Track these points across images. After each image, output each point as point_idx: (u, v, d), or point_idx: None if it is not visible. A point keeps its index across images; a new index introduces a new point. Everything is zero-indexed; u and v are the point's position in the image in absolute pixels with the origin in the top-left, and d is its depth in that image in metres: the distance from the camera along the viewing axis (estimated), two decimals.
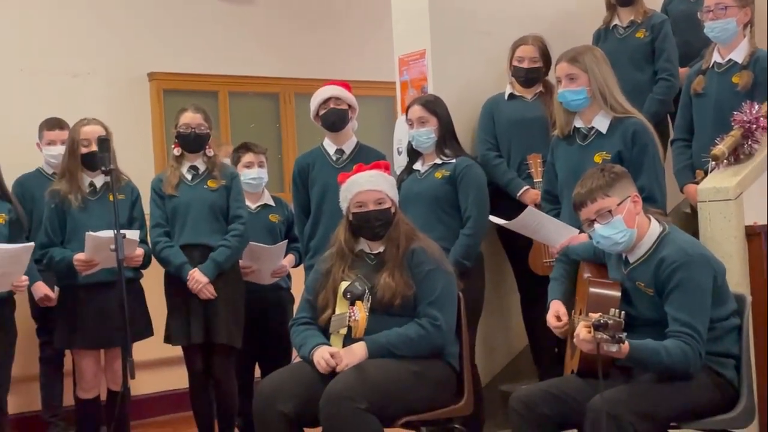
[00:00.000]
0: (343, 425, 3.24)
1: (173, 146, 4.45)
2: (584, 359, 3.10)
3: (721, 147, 3.75)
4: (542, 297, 3.54)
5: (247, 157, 4.77)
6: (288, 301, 4.78)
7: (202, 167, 4.41)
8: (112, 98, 6.51)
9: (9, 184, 4.41)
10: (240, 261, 4.49)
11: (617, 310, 2.85)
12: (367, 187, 3.60)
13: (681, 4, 4.94)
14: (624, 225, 3.12)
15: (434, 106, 4.23)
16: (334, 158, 4.43)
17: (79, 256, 4.14)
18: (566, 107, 3.81)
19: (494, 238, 4.53)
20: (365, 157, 4.23)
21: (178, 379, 4.72)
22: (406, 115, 4.32)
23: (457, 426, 3.60)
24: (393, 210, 3.63)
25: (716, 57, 4.09)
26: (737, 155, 3.78)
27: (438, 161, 4.22)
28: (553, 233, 3.77)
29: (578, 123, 3.84)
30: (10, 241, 4.06)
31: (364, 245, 3.66)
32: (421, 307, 3.50)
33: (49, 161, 4.95)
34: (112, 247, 3.69)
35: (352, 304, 3.47)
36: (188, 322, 4.28)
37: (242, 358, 4.57)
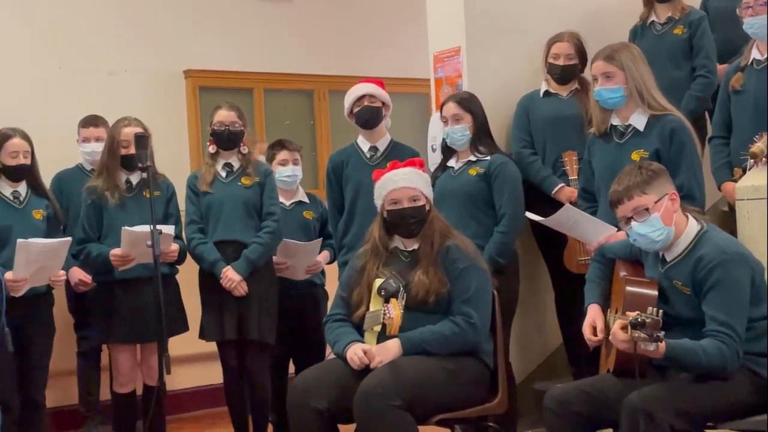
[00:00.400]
0: (377, 422, 3.25)
1: (208, 143, 4.48)
2: (620, 358, 3.07)
3: (760, 145, 3.71)
4: (577, 295, 3.53)
5: (282, 155, 4.79)
6: (322, 298, 4.80)
7: (236, 164, 4.44)
8: (149, 96, 6.56)
9: (47, 180, 4.47)
10: (274, 257, 4.52)
11: (654, 309, 2.83)
12: (401, 184, 3.60)
13: (719, 0, 4.89)
14: (661, 223, 3.09)
15: (469, 104, 4.22)
16: (368, 155, 4.43)
17: (115, 252, 4.19)
18: (603, 105, 3.79)
19: (529, 236, 4.51)
20: (399, 154, 4.23)
21: (213, 374, 4.75)
22: (441, 112, 4.31)
23: (491, 424, 3.59)
24: (427, 207, 3.63)
25: (755, 53, 4.04)
26: None
27: (472, 158, 4.21)
28: (589, 231, 3.74)
29: (615, 121, 3.81)
30: (47, 236, 4.11)
31: (398, 242, 3.66)
32: (455, 305, 3.49)
33: (85, 158, 5.00)
34: (148, 242, 3.72)
35: (387, 301, 3.48)
36: (222, 318, 4.31)
37: (276, 355, 4.60)
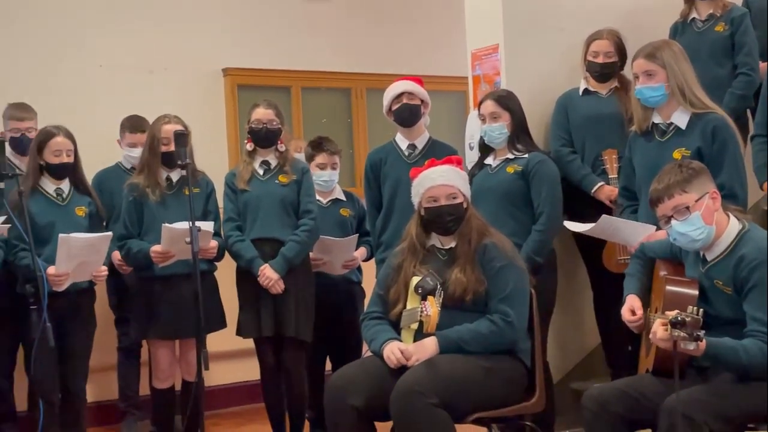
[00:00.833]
0: (414, 420, 3.25)
1: (246, 141, 4.51)
2: (660, 358, 3.05)
3: None
4: (616, 295, 3.50)
5: (321, 158, 4.81)
6: (359, 295, 4.81)
7: (273, 162, 4.46)
8: (188, 94, 6.61)
9: (89, 178, 4.52)
10: (311, 253, 4.53)
11: (695, 308, 2.80)
12: (439, 182, 3.60)
13: None
14: (702, 222, 3.06)
15: (507, 101, 4.21)
16: (406, 153, 4.43)
17: (155, 248, 4.22)
18: (644, 104, 3.76)
19: (567, 235, 4.47)
20: (437, 152, 4.22)
21: (250, 370, 4.78)
22: (479, 110, 4.30)
23: (528, 423, 3.57)
24: (465, 205, 3.62)
25: None
26: None
27: (510, 156, 4.20)
28: (629, 235, 3.72)
29: (656, 119, 3.78)
30: (89, 232, 4.15)
31: (435, 240, 3.65)
32: (492, 303, 3.48)
33: (129, 160, 5.03)
34: (187, 239, 3.74)
35: (424, 299, 3.47)
36: (259, 315, 4.33)
37: (314, 352, 4.62)
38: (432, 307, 3.41)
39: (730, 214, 3.15)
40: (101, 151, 5.13)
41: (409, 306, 3.52)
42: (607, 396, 3.13)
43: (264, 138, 4.43)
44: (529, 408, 3.54)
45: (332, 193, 4.85)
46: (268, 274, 4.28)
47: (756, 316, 2.97)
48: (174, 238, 4.11)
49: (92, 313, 4.31)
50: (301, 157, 4.87)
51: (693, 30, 4.66)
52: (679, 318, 2.75)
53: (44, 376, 3.99)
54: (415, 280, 3.52)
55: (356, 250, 4.74)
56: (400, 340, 3.50)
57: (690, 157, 3.58)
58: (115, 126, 5.21)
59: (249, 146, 4.48)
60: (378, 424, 3.48)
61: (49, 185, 4.21)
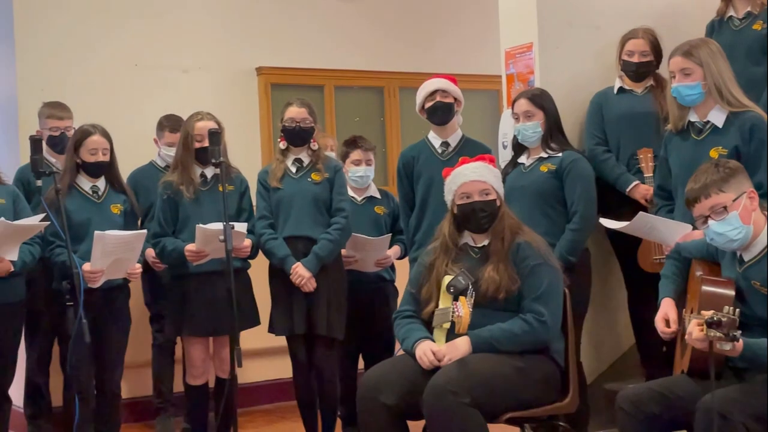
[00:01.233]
0: (447, 419, 3.24)
1: (279, 140, 4.52)
2: (695, 358, 3.02)
3: None
4: (651, 295, 3.47)
5: (356, 155, 4.81)
6: (392, 294, 4.81)
7: (306, 160, 4.47)
8: (222, 92, 6.66)
9: (124, 176, 4.55)
10: (343, 251, 4.54)
11: (731, 308, 2.78)
12: (472, 177, 3.58)
13: None
14: (739, 221, 3.03)
15: (541, 100, 4.19)
16: (439, 151, 4.42)
17: (189, 247, 4.24)
18: (680, 102, 3.72)
19: (602, 234, 4.45)
20: (470, 150, 4.21)
21: (283, 368, 4.79)
22: (512, 108, 4.29)
23: (561, 423, 3.55)
24: (498, 203, 3.61)
25: None
26: None
27: (543, 155, 4.18)
28: (666, 234, 3.68)
29: (693, 117, 3.75)
30: (124, 230, 4.18)
31: (468, 239, 3.64)
32: (525, 303, 3.46)
33: (166, 158, 5.06)
34: (221, 237, 3.76)
35: (456, 299, 3.46)
36: (291, 312, 4.34)
37: (346, 350, 4.62)
38: (463, 308, 3.40)
39: None
40: (136, 149, 5.17)
41: (441, 305, 3.51)
42: (642, 396, 3.11)
43: (297, 136, 4.44)
44: (562, 408, 3.52)
45: (367, 191, 4.85)
46: (301, 273, 4.29)
47: None
48: (208, 238, 4.13)
49: (127, 309, 4.33)
50: (331, 155, 4.87)
51: (730, 28, 4.60)
52: (715, 318, 2.72)
53: (80, 372, 4.03)
54: (447, 279, 3.51)
55: (390, 248, 4.74)
56: (432, 340, 3.50)
57: (727, 156, 3.55)
58: (150, 125, 5.25)
59: (282, 144, 4.49)
60: (410, 423, 3.48)
61: (85, 183, 4.25)
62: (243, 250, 4.29)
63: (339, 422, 4.60)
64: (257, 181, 4.49)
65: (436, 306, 3.52)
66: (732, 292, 3.08)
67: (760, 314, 3.05)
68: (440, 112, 4.37)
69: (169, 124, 5.11)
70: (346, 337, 4.46)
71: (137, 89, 6.38)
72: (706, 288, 3.12)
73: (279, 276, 4.37)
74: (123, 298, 4.30)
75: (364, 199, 4.82)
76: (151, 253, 4.61)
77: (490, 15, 5.27)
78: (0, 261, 3.86)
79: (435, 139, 4.46)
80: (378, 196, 4.87)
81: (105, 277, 4.05)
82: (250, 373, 5.46)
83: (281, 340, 4.50)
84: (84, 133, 4.22)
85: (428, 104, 4.39)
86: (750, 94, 3.80)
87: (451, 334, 3.46)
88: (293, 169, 4.45)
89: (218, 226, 4.01)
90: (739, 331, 2.75)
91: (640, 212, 3.80)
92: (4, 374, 4.09)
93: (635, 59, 4.41)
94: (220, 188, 3.89)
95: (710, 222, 3.06)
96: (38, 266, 4.23)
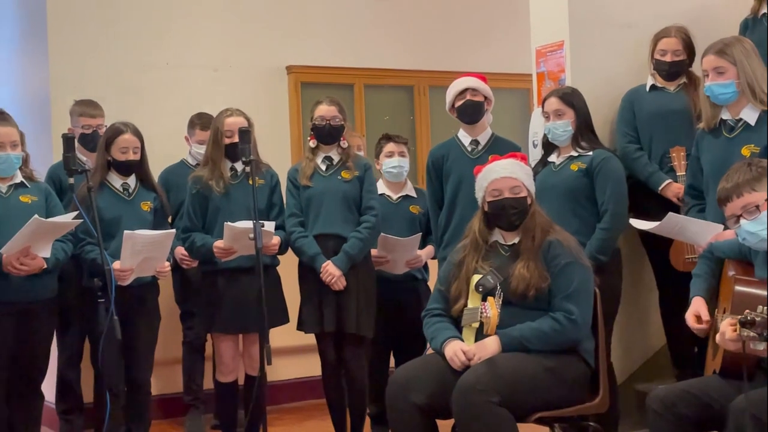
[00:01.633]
0: (476, 418, 3.23)
1: (309, 138, 4.53)
2: (728, 359, 2.99)
3: None
4: (683, 295, 3.43)
5: (389, 147, 4.81)
6: (424, 293, 4.78)
7: (336, 158, 4.47)
8: (252, 91, 6.68)
9: (155, 174, 4.58)
10: (373, 251, 4.54)
11: (765, 308, 2.74)
12: (503, 174, 3.57)
13: None
14: None
15: (572, 99, 4.16)
16: (469, 149, 4.41)
17: (218, 244, 4.25)
18: (713, 101, 3.69)
19: (633, 233, 4.41)
20: (500, 148, 4.19)
21: (312, 366, 4.80)
22: (543, 107, 4.26)
23: (591, 423, 3.53)
24: (529, 200, 3.59)
25: None
26: None
27: (574, 153, 4.15)
28: (697, 234, 3.65)
29: (725, 115, 3.71)
30: (154, 228, 4.20)
31: (498, 236, 3.63)
32: (555, 301, 3.45)
33: (197, 157, 5.08)
34: (251, 235, 3.77)
35: (484, 299, 3.45)
36: (321, 310, 4.34)
37: (377, 348, 4.62)
38: (492, 309, 3.38)
39: None
40: (167, 147, 5.21)
41: (470, 304, 3.50)
42: (673, 397, 3.08)
43: (327, 134, 4.45)
44: (592, 408, 3.50)
45: (403, 189, 4.83)
46: (331, 271, 4.29)
47: None
48: (236, 236, 4.14)
49: (156, 306, 4.36)
50: (361, 154, 4.87)
51: (764, 26, 4.55)
52: (748, 317, 2.69)
53: (110, 369, 4.05)
54: (476, 278, 3.50)
55: (423, 248, 4.73)
56: (461, 338, 3.49)
57: (759, 153, 3.52)
58: (181, 123, 5.28)
59: (312, 143, 4.50)
60: (439, 422, 3.48)
61: (116, 180, 4.28)
62: (272, 248, 4.30)
63: (368, 421, 4.60)
64: (287, 179, 4.50)
65: (465, 304, 3.51)
66: (765, 292, 3.04)
67: None
68: (470, 111, 4.36)
69: (200, 122, 5.14)
70: (377, 335, 4.46)
71: (168, 88, 6.42)
72: (739, 288, 3.09)
73: (309, 274, 4.38)
74: (153, 295, 4.32)
75: (399, 197, 4.81)
76: (180, 250, 4.64)
77: (520, 13, 5.25)
78: (33, 258, 3.89)
79: (464, 138, 4.44)
80: (414, 195, 4.85)
81: (134, 275, 4.08)
82: (280, 370, 5.48)
83: (311, 338, 4.50)
84: (115, 132, 4.25)
85: (458, 103, 4.38)
86: None
87: (480, 334, 3.45)
88: (323, 167, 4.46)
89: (246, 224, 4.02)
90: None
91: (670, 213, 3.77)
92: (38, 370, 4.13)
93: (668, 58, 4.37)
94: (250, 182, 3.90)
95: (742, 221, 3.03)
96: (70, 263, 4.26)
